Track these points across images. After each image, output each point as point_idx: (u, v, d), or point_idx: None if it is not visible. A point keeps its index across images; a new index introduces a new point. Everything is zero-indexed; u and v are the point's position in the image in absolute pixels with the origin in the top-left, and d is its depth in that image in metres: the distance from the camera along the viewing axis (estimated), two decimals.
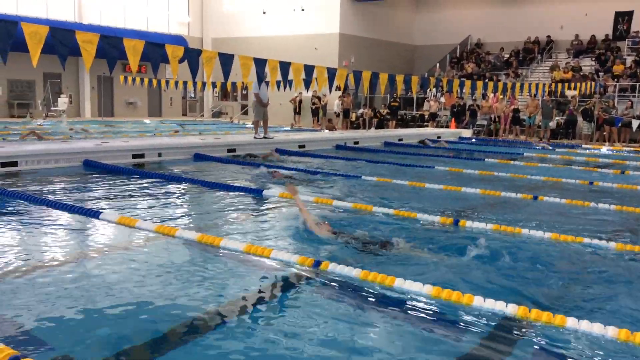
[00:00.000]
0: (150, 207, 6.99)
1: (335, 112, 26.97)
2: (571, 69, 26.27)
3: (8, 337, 3.26)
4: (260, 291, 4.20)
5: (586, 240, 5.80)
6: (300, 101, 27.38)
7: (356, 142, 16.69)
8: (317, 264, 4.64)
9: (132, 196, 7.77)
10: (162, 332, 3.46)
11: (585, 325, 3.61)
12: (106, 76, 28.09)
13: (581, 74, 25.85)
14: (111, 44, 9.63)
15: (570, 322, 3.65)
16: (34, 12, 25.89)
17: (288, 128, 24.17)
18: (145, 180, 9.07)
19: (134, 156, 11.38)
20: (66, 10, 27.83)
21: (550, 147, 18.41)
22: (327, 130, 21.90)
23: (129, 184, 8.73)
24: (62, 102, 27.00)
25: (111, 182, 8.87)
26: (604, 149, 18.49)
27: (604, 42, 27.91)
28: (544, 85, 22.66)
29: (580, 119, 22.48)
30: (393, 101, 25.68)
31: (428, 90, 24.64)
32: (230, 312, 3.80)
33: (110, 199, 7.53)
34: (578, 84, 22.74)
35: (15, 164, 9.64)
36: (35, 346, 3.21)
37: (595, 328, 3.57)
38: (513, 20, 30.28)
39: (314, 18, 29.32)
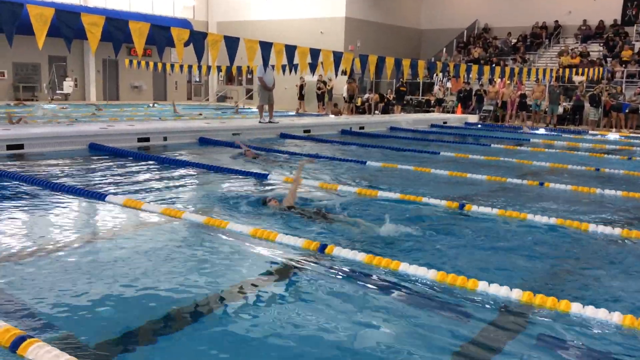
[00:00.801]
0: (156, 190, 7.00)
1: (343, 97, 26.86)
2: (579, 55, 26.05)
3: (14, 318, 3.28)
4: (265, 274, 4.20)
5: (592, 226, 5.79)
6: (302, 86, 27.25)
7: (362, 127, 16.65)
8: (323, 248, 4.65)
9: (137, 179, 7.78)
10: (167, 314, 3.48)
11: (590, 311, 3.60)
12: (111, 59, 28.02)
13: (589, 59, 25.64)
14: (117, 26, 9.60)
15: (575, 307, 3.65)
16: None
17: (293, 113, 24.12)
18: (151, 164, 9.08)
19: (140, 139, 11.38)
20: None
21: (530, 131, 18.60)
22: (332, 115, 21.84)
23: (134, 167, 8.74)
24: (68, 85, 27.01)
25: (117, 165, 8.89)
26: (611, 135, 18.38)
27: (613, 28, 27.64)
28: (551, 70, 22.49)
29: (587, 104, 22.33)
30: (401, 86, 25.54)
31: (435, 75, 24.53)
32: (235, 295, 3.81)
33: (116, 181, 7.55)
34: (586, 70, 22.56)
35: (21, 146, 9.66)
36: (41, 327, 3.23)
37: (600, 314, 3.57)
38: (521, 4, 29.99)
39: (320, 2, 29.12)
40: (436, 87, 26.51)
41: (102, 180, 7.65)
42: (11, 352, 2.86)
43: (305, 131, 14.75)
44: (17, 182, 7.11)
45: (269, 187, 7.48)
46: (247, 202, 6.47)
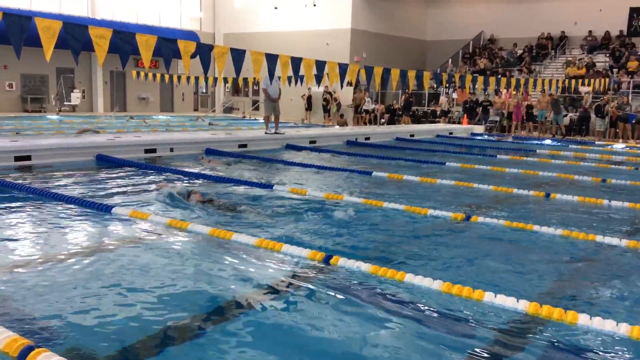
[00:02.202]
0: (162, 202, 7.02)
1: (349, 106, 26.89)
2: (585, 65, 26.05)
3: (23, 328, 3.30)
4: (269, 286, 4.21)
5: (598, 237, 5.76)
6: (310, 97, 27.36)
7: (367, 138, 16.67)
8: (328, 258, 4.65)
9: (144, 190, 7.81)
10: (174, 326, 3.48)
11: (597, 323, 3.59)
12: (119, 71, 28.25)
13: (595, 70, 25.63)
14: (124, 39, 9.68)
15: (582, 319, 3.63)
16: (47, 7, 26.04)
17: (297, 124, 24.19)
18: (157, 175, 9.11)
19: (146, 151, 11.43)
20: (79, 5, 27.99)
21: (512, 139, 19.08)
22: (338, 126, 21.88)
23: (141, 179, 8.78)
24: (75, 97, 27.20)
25: (123, 177, 8.93)
26: (618, 146, 18.34)
27: (619, 38, 27.65)
28: (557, 81, 22.50)
29: (593, 115, 22.30)
30: (409, 97, 25.60)
31: (441, 86, 24.58)
32: (240, 307, 3.81)
33: (123, 193, 7.58)
34: (592, 80, 22.56)
35: (29, 158, 9.72)
36: (49, 337, 3.24)
37: (608, 325, 3.55)
38: (526, 15, 30.06)
39: (326, 13, 29.28)
40: (442, 98, 26.55)
41: (109, 191, 7.68)
42: None
43: (311, 142, 14.78)
44: (25, 194, 7.15)
45: (275, 198, 7.50)
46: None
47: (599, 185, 9.73)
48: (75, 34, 9.13)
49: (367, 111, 25.97)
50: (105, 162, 10.19)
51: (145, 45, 9.76)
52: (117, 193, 7.53)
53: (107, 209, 6.32)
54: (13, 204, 6.63)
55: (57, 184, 8.06)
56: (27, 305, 3.71)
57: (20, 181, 7.91)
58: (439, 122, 25.11)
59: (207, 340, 3.32)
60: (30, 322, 3.46)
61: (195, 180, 8.67)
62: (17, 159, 9.57)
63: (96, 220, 6.02)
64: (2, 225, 5.79)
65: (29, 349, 2.91)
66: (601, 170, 11.78)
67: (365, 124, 25.60)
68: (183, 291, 4.03)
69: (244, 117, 29.35)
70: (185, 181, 8.57)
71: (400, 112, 25.88)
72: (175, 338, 3.36)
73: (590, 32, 28.49)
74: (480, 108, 24.14)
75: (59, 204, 6.61)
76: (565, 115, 22.88)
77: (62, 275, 4.29)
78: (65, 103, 26.78)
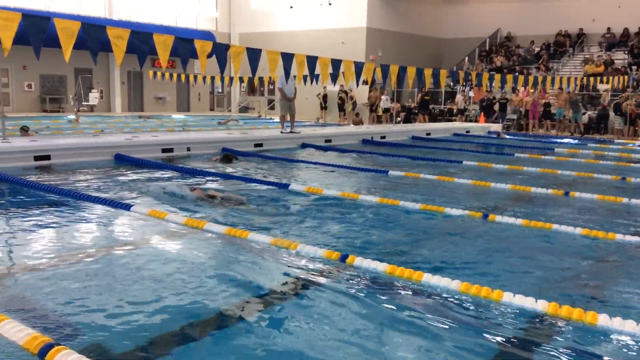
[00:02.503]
0: (179, 201, 7.06)
1: (364, 104, 26.80)
2: (603, 63, 25.75)
3: (42, 326, 3.34)
4: (285, 285, 4.21)
5: (619, 236, 5.70)
6: (325, 96, 27.35)
7: (383, 137, 16.62)
8: (344, 258, 4.65)
9: (161, 189, 7.85)
10: (191, 323, 3.50)
11: (617, 323, 3.54)
12: (136, 71, 28.46)
13: (613, 67, 25.32)
14: (141, 39, 9.75)
15: (602, 319, 3.59)
16: (66, 9, 26.30)
17: (312, 122, 24.20)
18: (174, 174, 9.17)
19: (164, 150, 11.51)
20: (97, 6, 28.23)
21: (507, 136, 19.29)
22: (353, 125, 21.85)
23: (158, 178, 8.84)
24: (93, 97, 27.45)
25: (141, 176, 8.99)
26: (637, 144, 18.10)
27: (638, 35, 27.28)
28: (575, 79, 22.27)
29: (612, 113, 22.05)
30: (425, 95, 25.48)
31: (458, 84, 24.44)
32: (257, 305, 3.82)
33: (141, 192, 7.64)
34: (610, 78, 22.30)
35: (48, 157, 9.83)
36: (68, 334, 3.28)
37: (628, 325, 3.51)
38: (544, 12, 29.77)
39: (341, 12, 29.24)
40: (458, 96, 26.39)
41: (127, 190, 7.74)
42: (40, 358, 2.91)
43: (326, 141, 14.78)
44: (45, 193, 7.23)
45: (291, 197, 7.51)
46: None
47: (619, 183, 9.61)
48: (93, 35, 9.22)
49: (386, 109, 25.75)
50: (123, 161, 10.28)
51: (163, 45, 9.82)
52: (136, 192, 7.59)
53: (127, 207, 6.37)
54: (33, 203, 6.71)
55: (76, 183, 8.14)
56: (47, 303, 3.75)
57: (39, 180, 8.00)
58: (455, 120, 24.96)
59: (225, 339, 3.33)
60: (50, 319, 3.49)
61: (212, 179, 8.71)
62: (36, 158, 9.68)
63: (116, 219, 6.07)
64: (23, 223, 5.87)
65: (49, 346, 2.94)
66: (620, 169, 11.64)
67: (380, 123, 25.52)
68: (200, 289, 4.04)
69: (260, 116, 29.42)
70: (201, 180, 8.61)
71: (416, 111, 25.77)
72: (192, 336, 3.37)
73: (608, 29, 28.15)
74: (497, 106, 23.96)
75: (79, 203, 6.68)
76: (584, 114, 22.64)
77: (81, 273, 4.33)
78: (84, 103, 27.03)
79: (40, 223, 5.91)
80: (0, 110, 10.70)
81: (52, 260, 4.66)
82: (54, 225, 5.87)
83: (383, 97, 25.33)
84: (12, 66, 25.89)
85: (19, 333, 3.10)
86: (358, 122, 23.66)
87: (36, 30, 8.76)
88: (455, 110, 25.96)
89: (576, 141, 18.62)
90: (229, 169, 9.93)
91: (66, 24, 8.96)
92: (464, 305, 3.88)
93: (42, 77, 27.32)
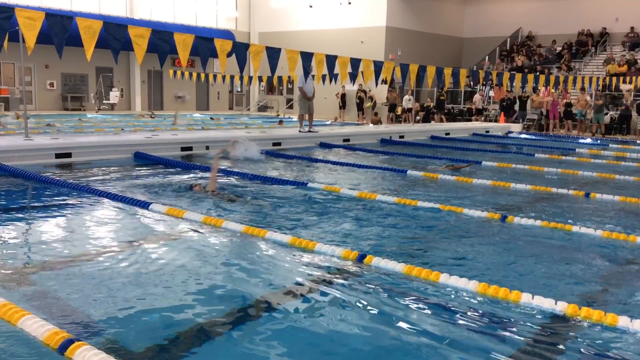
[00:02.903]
0: (197, 199, 7.11)
1: (385, 104, 26.67)
2: (626, 63, 25.38)
3: (63, 321, 3.38)
4: (302, 283, 4.22)
5: (639, 239, 5.62)
6: (344, 95, 27.30)
7: (401, 136, 16.57)
8: (361, 257, 4.64)
9: (180, 188, 7.92)
10: (210, 320, 3.53)
11: (638, 325, 3.50)
12: (156, 70, 28.67)
13: (637, 67, 24.95)
14: (162, 38, 9.83)
15: (622, 321, 3.55)
16: (88, 8, 26.59)
17: (330, 122, 24.19)
18: (193, 173, 9.23)
19: (183, 149, 11.59)
20: (118, 5, 28.50)
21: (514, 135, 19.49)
22: (372, 125, 21.81)
23: (177, 176, 8.90)
24: (114, 95, 27.72)
25: (161, 174, 9.07)
26: None
27: None
28: (597, 79, 21.98)
29: (635, 114, 21.73)
30: (440, 94, 25.34)
31: (478, 84, 24.26)
32: (274, 302, 3.83)
33: (160, 190, 7.70)
34: (633, 78, 21.97)
35: (69, 155, 9.95)
36: (88, 330, 3.32)
37: None
38: (566, 12, 29.42)
39: (361, 11, 29.18)
40: (476, 96, 26.18)
41: (146, 188, 7.81)
42: (59, 354, 2.95)
43: (344, 140, 14.77)
44: (66, 189, 7.32)
45: (310, 196, 7.51)
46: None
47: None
48: (115, 34, 9.31)
49: (409, 109, 25.47)
50: (143, 159, 10.37)
51: (183, 44, 9.90)
52: (155, 190, 7.65)
53: (146, 205, 6.43)
54: (54, 200, 6.80)
55: (96, 180, 8.23)
56: (67, 299, 3.80)
57: (60, 177, 8.11)
58: (472, 120, 24.78)
59: (241, 337, 3.34)
60: (70, 315, 3.54)
61: (229, 178, 8.75)
62: (57, 156, 9.81)
63: (135, 216, 6.13)
64: (43, 220, 5.95)
65: (69, 342, 2.98)
66: None
67: (399, 122, 25.39)
68: (217, 288, 4.07)
69: (278, 115, 29.49)
70: (219, 178, 8.65)
71: (434, 110, 25.62)
72: (211, 333, 3.39)
73: (632, 28, 27.72)
74: (518, 106, 23.74)
75: (99, 200, 6.76)
76: (606, 114, 22.35)
77: (101, 270, 4.38)
78: (104, 102, 27.31)
79: (60, 220, 5.99)
80: (22, 108, 10.84)
81: (72, 257, 4.72)
82: (73, 222, 5.94)
83: (406, 97, 25.17)
84: (35, 65, 26.24)
85: (40, 328, 3.15)
86: (376, 122, 23.60)
87: (59, 29, 8.88)
88: (474, 110, 25.76)
89: (598, 142, 18.38)
90: (246, 167, 9.97)
91: (88, 23, 9.07)
92: (482, 306, 3.85)
93: (63, 76, 27.66)
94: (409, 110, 25.00)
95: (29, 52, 9.10)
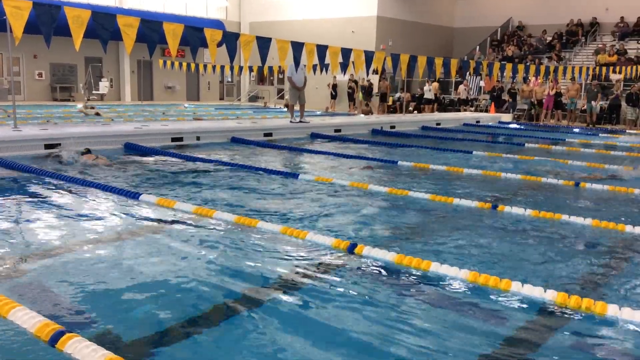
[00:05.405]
0: (188, 189, 7.09)
1: (377, 94, 26.65)
2: (616, 52, 25.48)
3: (53, 313, 3.37)
4: (294, 273, 4.22)
5: (628, 227, 5.67)
6: (335, 85, 27.25)
7: (393, 127, 16.57)
8: (352, 247, 4.65)
9: (171, 178, 7.90)
10: (201, 311, 3.53)
11: (627, 313, 3.53)
12: (146, 60, 28.50)
13: (626, 57, 25.06)
14: (151, 28, 9.76)
15: (612, 309, 3.58)
16: None
17: (322, 112, 24.15)
18: (183, 163, 9.20)
19: (173, 139, 11.54)
20: None
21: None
22: (363, 115, 21.80)
23: (168, 167, 8.87)
24: (103, 85, 27.52)
25: (151, 165, 9.03)
26: None
27: None
28: (587, 69, 22.06)
29: (624, 103, 21.85)
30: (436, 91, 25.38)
31: (467, 74, 24.28)
32: (266, 294, 3.84)
33: (150, 180, 7.67)
34: (623, 68, 22.08)
35: (58, 145, 9.88)
36: (79, 322, 3.31)
37: (637, 316, 3.50)
38: (556, 1, 29.46)
39: (352, 1, 29.10)
40: (461, 87, 26.20)
41: (136, 179, 7.78)
42: (50, 346, 2.94)
43: (336, 130, 14.76)
44: (54, 180, 7.28)
45: (300, 186, 7.51)
46: (280, 199, 6.61)
47: (630, 174, 9.54)
48: (103, 23, 9.24)
49: (428, 100, 25.36)
50: (133, 150, 10.31)
51: (173, 34, 9.83)
52: (145, 180, 7.62)
53: (136, 196, 6.40)
54: (43, 191, 6.76)
55: (86, 171, 8.18)
56: (57, 290, 3.78)
57: (49, 168, 8.05)
58: (459, 110, 24.83)
59: (231, 328, 3.35)
60: (61, 307, 3.53)
61: (222, 167, 8.73)
62: (47, 146, 9.74)
63: (125, 207, 6.10)
64: (33, 211, 5.92)
65: (60, 333, 2.97)
66: (632, 159, 11.54)
67: (391, 112, 25.42)
68: (209, 278, 4.06)
69: (265, 105, 29.40)
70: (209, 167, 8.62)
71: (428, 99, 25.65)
72: (202, 324, 3.39)
73: (622, 18, 27.81)
74: (508, 96, 23.81)
75: (88, 191, 6.72)
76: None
77: (92, 261, 4.37)
78: (94, 92, 27.11)
79: (49, 211, 5.95)
80: (11, 99, 10.75)
81: (62, 248, 4.70)
82: (63, 213, 5.91)
83: (426, 87, 25.20)
84: (23, 55, 26.00)
85: (31, 320, 3.13)
86: (367, 112, 23.59)
87: (47, 19, 8.79)
88: (456, 100, 25.84)
89: (586, 131, 18.48)
90: (237, 157, 9.94)
91: (76, 13, 8.99)
92: (472, 294, 3.88)
93: (52, 66, 27.42)
94: (429, 101, 24.95)
95: (17, 42, 9.00)
